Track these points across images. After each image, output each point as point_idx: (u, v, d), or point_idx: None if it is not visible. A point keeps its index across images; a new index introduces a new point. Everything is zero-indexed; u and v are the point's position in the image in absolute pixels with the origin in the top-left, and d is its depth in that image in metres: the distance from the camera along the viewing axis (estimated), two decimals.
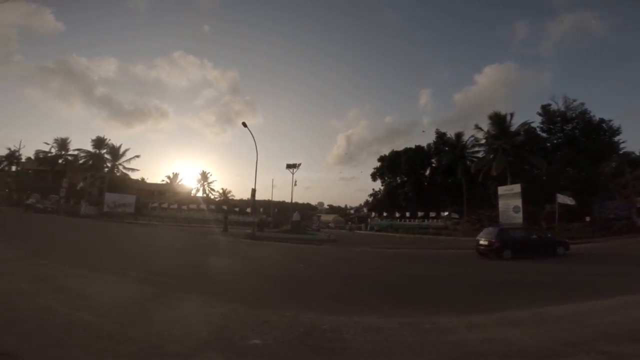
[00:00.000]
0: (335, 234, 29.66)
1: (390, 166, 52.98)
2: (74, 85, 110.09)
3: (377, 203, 57.87)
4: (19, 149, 48.76)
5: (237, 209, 45.58)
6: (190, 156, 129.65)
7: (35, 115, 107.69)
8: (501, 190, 28.33)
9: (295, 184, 33.37)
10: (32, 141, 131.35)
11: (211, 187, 67.78)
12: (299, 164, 34.41)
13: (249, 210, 36.94)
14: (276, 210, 47.60)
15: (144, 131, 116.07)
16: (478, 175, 33.47)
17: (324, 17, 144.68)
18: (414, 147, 51.36)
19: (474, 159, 38.89)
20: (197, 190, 64.85)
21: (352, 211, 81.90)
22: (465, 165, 39.07)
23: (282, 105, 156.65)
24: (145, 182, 56.44)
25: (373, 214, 54.59)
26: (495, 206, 28.78)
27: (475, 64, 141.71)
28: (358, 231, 44.17)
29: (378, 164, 56.09)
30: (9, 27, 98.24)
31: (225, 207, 33.59)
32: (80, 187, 37.93)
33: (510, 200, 26.73)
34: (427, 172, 50.11)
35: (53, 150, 46.88)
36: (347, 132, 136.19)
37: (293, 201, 37.87)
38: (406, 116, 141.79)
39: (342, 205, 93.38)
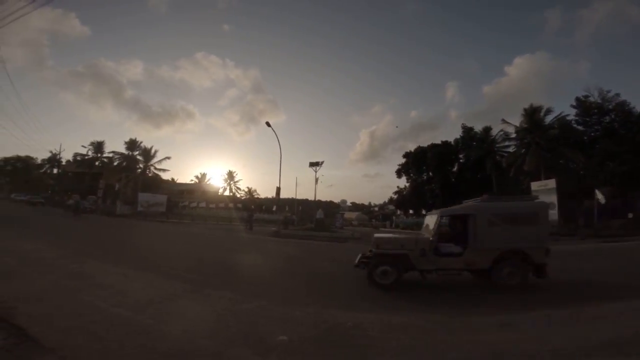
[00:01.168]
0: (359, 231, 29.49)
1: (416, 162, 51.98)
2: (104, 88, 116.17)
3: (402, 200, 56.98)
4: (60, 152, 52.41)
5: (263, 207, 46.50)
6: (217, 156, 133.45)
7: (71, 118, 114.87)
8: (534, 186, 27.08)
9: (318, 182, 33.42)
10: (70, 144, 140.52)
11: (237, 186, 69.64)
12: (322, 162, 34.42)
13: (274, 208, 37.58)
14: (300, 208, 48.01)
15: (172, 132, 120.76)
16: (509, 171, 32.14)
17: (345, 9, 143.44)
18: (440, 142, 50.12)
19: (504, 154, 37.37)
20: (224, 190, 66.82)
21: (376, 208, 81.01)
22: (494, 160, 37.66)
23: (304, 102, 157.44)
24: (175, 182, 58.81)
25: (398, 211, 53.84)
26: None
27: (505, 54, 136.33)
28: (383, 229, 43.76)
29: (403, 160, 55.21)
30: (38, 33, 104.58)
31: (252, 207, 34.25)
32: (117, 187, 40.10)
33: (544, 196, 25.42)
34: (455, 168, 48.71)
35: (90, 153, 49.91)
36: (371, 128, 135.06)
37: (316, 199, 38.08)
38: (432, 110, 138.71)
39: (366, 203, 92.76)
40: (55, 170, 55.55)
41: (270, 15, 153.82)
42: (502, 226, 6.69)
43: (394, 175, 57.21)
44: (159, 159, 47.93)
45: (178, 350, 3.29)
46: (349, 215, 56.92)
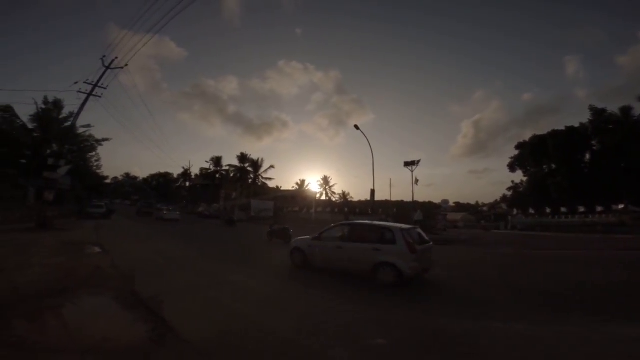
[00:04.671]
0: (465, 233, 26.91)
1: (534, 153, 44.64)
2: (210, 106, 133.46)
3: (518, 197, 49.56)
4: (190, 167, 64.37)
5: (357, 210, 46.90)
6: (312, 161, 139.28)
7: (192, 136, 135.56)
8: None
9: (417, 183, 31.70)
10: (195, 159, 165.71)
11: (332, 190, 72.19)
12: (418, 161, 32.65)
13: (370, 211, 37.46)
14: (395, 210, 46.59)
15: (272, 142, 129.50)
16: None
17: None
18: (563, 128, 41.93)
19: None
20: (321, 194, 70.12)
21: (485, 208, 72.85)
22: None
23: (392, 98, 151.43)
24: (280, 190, 64.49)
25: (515, 210, 46.98)
26: None
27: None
28: (495, 231, 38.78)
29: (516, 152, 48.12)
30: (147, 59, 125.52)
31: (346, 209, 34.93)
32: (233, 196, 46.55)
33: None
34: (587, 156, 40.01)
35: (211, 167, 59.65)
36: (474, 118, 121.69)
37: (413, 200, 36.23)
38: (551, 91, 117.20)
39: (472, 202, 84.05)
40: (187, 184, 68.12)
41: (339, 10, 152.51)
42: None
43: (507, 170, 50.28)
44: (265, 168, 53.81)
45: (284, 347, 3.58)
46: (452, 216, 52.37)
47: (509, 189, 53.30)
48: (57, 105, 28.82)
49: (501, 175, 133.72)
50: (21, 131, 27.97)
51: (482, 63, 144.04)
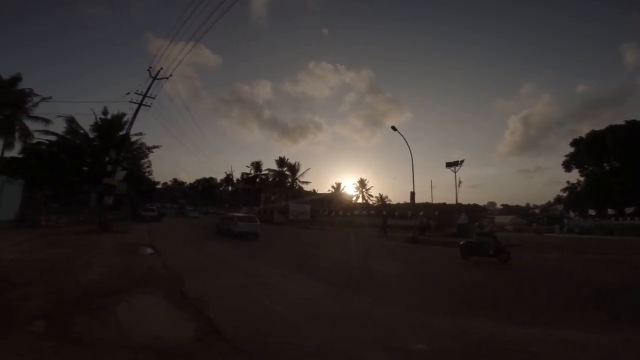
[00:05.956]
0: (516, 237, 25.07)
1: (592, 151, 40.65)
2: (247, 112, 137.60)
3: (575, 198, 45.43)
4: (232, 173, 67.33)
5: (396, 214, 45.85)
6: (348, 164, 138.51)
7: (232, 141, 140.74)
8: None
9: (460, 184, 30.21)
10: (236, 164, 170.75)
11: (369, 193, 71.26)
12: (462, 161, 31.13)
13: (410, 214, 36.38)
14: (437, 213, 44.79)
15: (307, 145, 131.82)
16: None
17: None
18: (624, 123, 37.76)
19: None
20: (357, 198, 69.54)
21: (537, 210, 67.78)
22: None
23: (430, 95, 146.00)
24: (316, 193, 65.05)
25: (572, 212, 43.03)
26: None
27: None
28: (549, 234, 35.75)
29: (572, 150, 44.12)
30: (186, 67, 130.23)
31: (385, 213, 34.24)
32: (273, 199, 47.81)
33: None
34: None
35: (252, 172, 61.78)
36: (522, 113, 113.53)
37: (457, 202, 34.53)
38: (609, 82, 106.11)
39: (522, 204, 78.49)
40: (230, 188, 71.21)
41: (361, 9, 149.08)
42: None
43: (561, 169, 46.24)
44: (302, 172, 54.63)
45: (320, 351, 3.54)
46: (500, 219, 49.11)
47: (564, 189, 48.97)
48: (116, 116, 31.61)
49: (555, 175, 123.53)
50: (84, 140, 31.00)
51: (529, 53, 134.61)
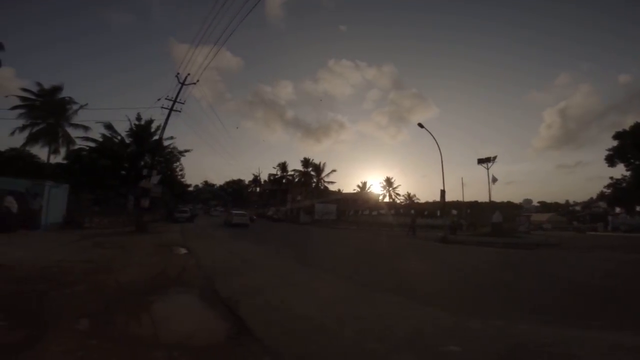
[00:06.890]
0: (555, 236, 23.69)
1: (637, 143, 37.50)
2: (271, 113, 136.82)
3: (620, 194, 42.08)
4: (259, 173, 68.90)
5: (425, 212, 44.70)
6: (373, 162, 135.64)
7: (257, 143, 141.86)
8: None
9: (495, 182, 28.74)
10: (263, 165, 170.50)
11: (396, 192, 70.03)
12: (494, 157, 29.71)
13: (439, 213, 35.36)
14: (468, 211, 43.15)
15: (330, 144, 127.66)
16: None
17: None
18: None
19: None
20: (383, 196, 68.52)
21: (577, 207, 63.75)
22: None
23: (458, 88, 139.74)
24: (342, 192, 64.79)
25: (617, 209, 40.01)
26: None
27: None
28: (592, 232, 33.43)
29: (615, 143, 40.93)
30: (209, 71, 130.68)
31: (413, 211, 33.49)
32: (298, 199, 48.31)
33: None
34: None
35: (278, 173, 62.79)
36: (559, 105, 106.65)
37: (490, 200, 33.01)
38: None
39: (561, 201, 73.98)
40: (257, 189, 72.87)
41: (379, 3, 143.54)
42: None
43: (604, 163, 42.98)
44: (326, 172, 54.76)
45: (349, 350, 3.51)
46: (537, 217, 46.51)
47: (607, 185, 45.46)
48: (148, 121, 33.25)
49: (598, 170, 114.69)
50: (120, 145, 32.85)
51: (565, 41, 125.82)
